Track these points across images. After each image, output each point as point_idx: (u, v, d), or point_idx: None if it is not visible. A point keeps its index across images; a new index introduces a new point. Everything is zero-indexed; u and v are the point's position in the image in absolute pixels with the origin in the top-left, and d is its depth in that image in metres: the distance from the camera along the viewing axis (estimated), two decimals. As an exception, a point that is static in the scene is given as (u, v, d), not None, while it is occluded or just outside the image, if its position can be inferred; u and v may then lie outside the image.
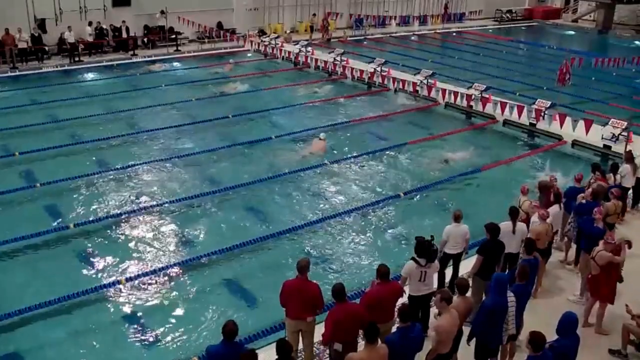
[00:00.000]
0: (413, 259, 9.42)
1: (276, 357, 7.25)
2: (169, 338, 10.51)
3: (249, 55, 33.86)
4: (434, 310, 9.54)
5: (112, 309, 11.30)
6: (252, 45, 34.43)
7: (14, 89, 25.60)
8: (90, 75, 28.73)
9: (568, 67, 22.47)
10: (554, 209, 12.12)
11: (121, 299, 11.56)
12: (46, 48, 30.00)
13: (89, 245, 13.46)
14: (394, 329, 8.47)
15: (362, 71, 26.94)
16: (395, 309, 8.94)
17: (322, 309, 9.05)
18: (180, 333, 10.57)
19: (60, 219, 14.49)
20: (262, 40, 34.04)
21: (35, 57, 29.53)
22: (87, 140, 19.48)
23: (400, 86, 25.45)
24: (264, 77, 29.00)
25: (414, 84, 24.50)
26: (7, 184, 15.97)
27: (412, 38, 41.94)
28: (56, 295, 11.26)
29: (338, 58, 28.81)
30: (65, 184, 16.23)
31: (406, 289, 9.49)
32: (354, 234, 14.22)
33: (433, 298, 9.78)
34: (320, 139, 19.64)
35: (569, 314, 7.95)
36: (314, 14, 39.68)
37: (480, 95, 22.83)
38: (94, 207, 15.15)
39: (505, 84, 27.38)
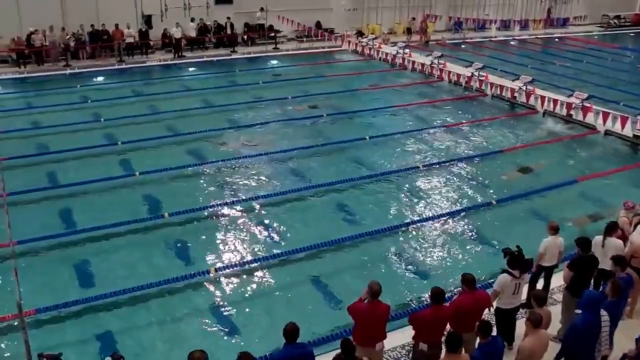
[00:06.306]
0: (506, 271, 9.17)
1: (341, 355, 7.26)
2: (249, 331, 10.66)
3: (346, 55, 34.04)
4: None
5: (199, 298, 11.60)
6: (349, 45, 34.62)
7: (120, 81, 27.00)
8: (191, 70, 29.78)
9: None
10: None
11: (209, 289, 11.87)
12: (151, 43, 31.30)
13: (182, 234, 13.92)
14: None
15: (459, 75, 26.49)
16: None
17: None
18: (261, 327, 10.73)
19: (155, 208, 15.08)
20: (359, 41, 34.16)
21: (140, 52, 30.90)
22: (184, 132, 20.16)
23: (499, 92, 24.91)
24: (360, 77, 29.03)
25: (512, 90, 23.87)
26: (108, 172, 16.80)
27: (512, 43, 40.91)
28: (147, 280, 11.71)
29: (435, 61, 28.49)
30: (162, 174, 16.87)
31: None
32: (441, 239, 14.02)
33: (521, 310, 9.58)
34: None
35: None
36: (414, 18, 39.38)
37: (581, 103, 22.01)
38: (188, 198, 15.64)
39: (609, 93, 26.11)
